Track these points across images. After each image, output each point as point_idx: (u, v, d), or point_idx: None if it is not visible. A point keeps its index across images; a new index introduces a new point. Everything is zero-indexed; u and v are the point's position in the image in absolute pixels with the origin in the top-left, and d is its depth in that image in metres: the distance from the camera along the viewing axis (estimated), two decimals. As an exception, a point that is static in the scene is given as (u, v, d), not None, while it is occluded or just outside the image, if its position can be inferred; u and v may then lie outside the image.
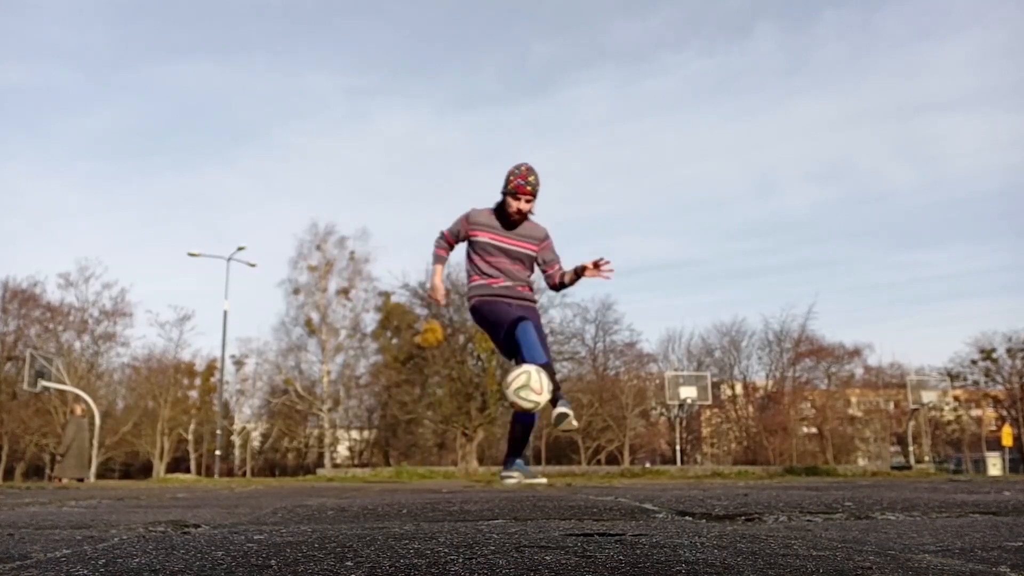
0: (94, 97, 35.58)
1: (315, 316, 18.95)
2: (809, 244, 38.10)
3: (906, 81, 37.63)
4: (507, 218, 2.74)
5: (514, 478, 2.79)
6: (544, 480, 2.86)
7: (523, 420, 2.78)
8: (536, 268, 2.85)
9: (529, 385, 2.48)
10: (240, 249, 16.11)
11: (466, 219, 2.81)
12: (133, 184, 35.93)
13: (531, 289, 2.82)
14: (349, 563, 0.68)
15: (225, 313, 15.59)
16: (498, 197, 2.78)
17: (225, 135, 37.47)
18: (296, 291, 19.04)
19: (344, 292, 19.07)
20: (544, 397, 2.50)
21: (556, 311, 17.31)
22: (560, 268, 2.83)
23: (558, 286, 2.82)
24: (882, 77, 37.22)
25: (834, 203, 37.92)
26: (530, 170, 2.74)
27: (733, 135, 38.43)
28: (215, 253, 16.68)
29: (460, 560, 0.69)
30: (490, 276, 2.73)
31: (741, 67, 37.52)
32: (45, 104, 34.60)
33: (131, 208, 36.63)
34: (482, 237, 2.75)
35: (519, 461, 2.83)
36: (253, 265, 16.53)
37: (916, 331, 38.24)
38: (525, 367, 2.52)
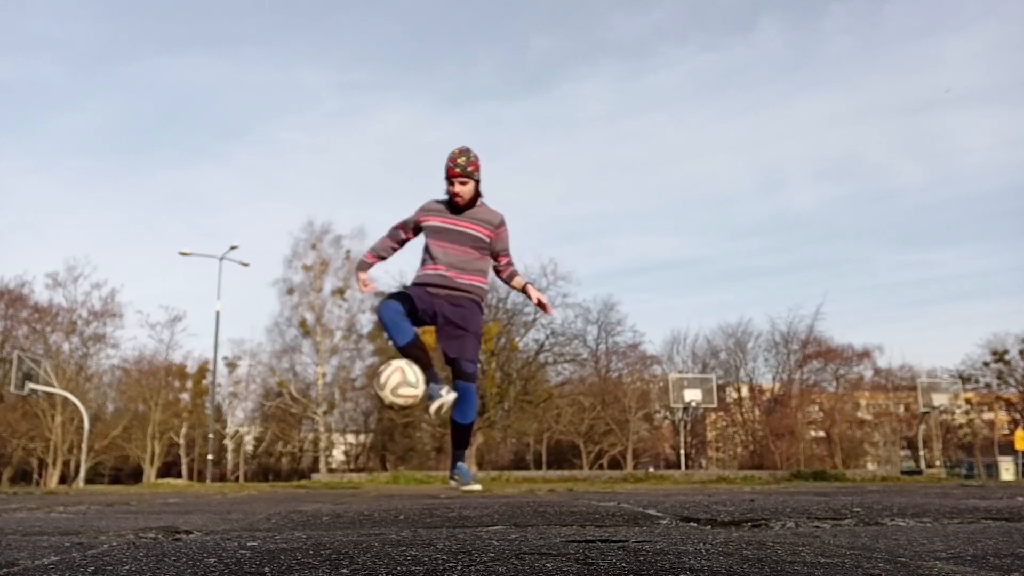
0: (81, 92, 35.19)
1: (310, 317, 18.84)
2: (817, 243, 37.54)
3: (915, 76, 37.16)
4: (455, 205, 2.69)
5: (455, 481, 2.76)
6: (479, 487, 2.78)
7: (459, 418, 2.70)
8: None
9: (406, 381, 2.46)
10: (233, 248, 15.99)
11: (419, 208, 2.77)
12: (122, 181, 35.69)
13: (482, 278, 2.71)
14: (345, 570, 0.67)
15: (217, 314, 15.51)
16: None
17: (216, 131, 37.29)
18: (290, 291, 18.95)
19: (340, 292, 18.97)
20: (421, 388, 2.49)
21: (557, 312, 17.33)
22: (510, 263, 2.78)
23: (502, 279, 2.82)
24: (891, 72, 36.62)
25: (842, 200, 37.42)
26: (462, 151, 2.67)
27: (738, 131, 38.14)
28: (207, 252, 16.39)
29: (459, 567, 0.67)
30: (432, 264, 2.66)
31: (745, 62, 37.08)
32: (30, 100, 34.31)
33: (120, 206, 36.31)
34: (434, 221, 2.71)
35: (461, 464, 2.76)
36: (246, 264, 16.39)
37: (927, 332, 37.79)
38: (394, 363, 2.50)
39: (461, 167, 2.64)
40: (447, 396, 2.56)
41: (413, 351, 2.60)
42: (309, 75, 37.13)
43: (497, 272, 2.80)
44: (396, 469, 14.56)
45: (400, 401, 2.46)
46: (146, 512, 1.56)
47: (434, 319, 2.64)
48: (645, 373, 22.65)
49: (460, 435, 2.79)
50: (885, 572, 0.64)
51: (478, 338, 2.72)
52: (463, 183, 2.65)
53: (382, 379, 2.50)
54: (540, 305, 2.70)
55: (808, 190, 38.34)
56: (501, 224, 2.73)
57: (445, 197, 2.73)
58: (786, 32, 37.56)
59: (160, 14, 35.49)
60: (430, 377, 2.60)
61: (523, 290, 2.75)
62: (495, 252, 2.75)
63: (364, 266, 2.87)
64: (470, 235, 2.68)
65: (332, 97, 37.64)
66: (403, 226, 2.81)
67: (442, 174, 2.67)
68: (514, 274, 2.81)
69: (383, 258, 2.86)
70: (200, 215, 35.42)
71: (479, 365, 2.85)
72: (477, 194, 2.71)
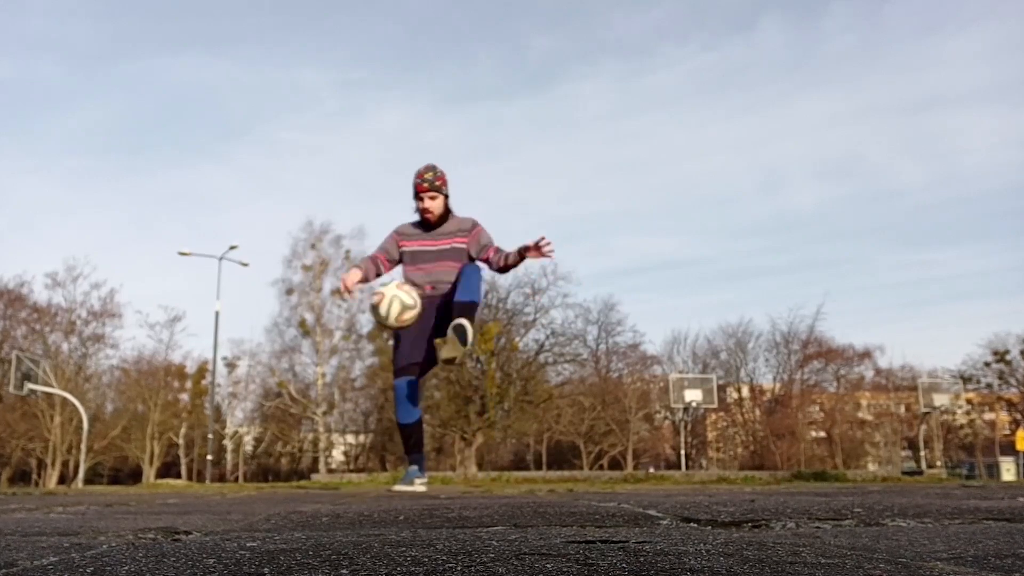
0: (81, 92, 35.23)
1: (309, 317, 18.87)
2: (817, 243, 37.56)
3: (916, 75, 37.19)
4: (426, 222, 2.70)
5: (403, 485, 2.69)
6: (420, 489, 2.67)
7: (403, 417, 2.64)
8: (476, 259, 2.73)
9: (405, 306, 2.46)
10: (232, 248, 15.98)
11: (396, 233, 2.77)
12: (122, 181, 35.67)
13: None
14: (344, 571, 0.67)
15: (217, 314, 15.53)
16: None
17: (216, 131, 37.30)
18: (290, 291, 18.98)
19: (339, 292, 19.02)
20: (418, 305, 2.50)
21: (558, 312, 17.32)
22: (499, 249, 2.72)
23: (502, 268, 2.73)
24: (891, 72, 36.81)
25: (843, 200, 37.39)
26: (428, 168, 2.70)
27: (738, 131, 38.09)
28: (206, 252, 16.39)
29: (459, 568, 0.67)
30: (416, 288, 2.66)
31: (745, 62, 37.18)
32: (29, 99, 34.38)
33: (120, 206, 36.41)
34: (410, 247, 2.73)
35: (412, 467, 2.69)
36: (245, 264, 16.37)
37: (928, 332, 37.76)
38: (387, 293, 2.47)
39: (429, 182, 2.64)
40: (420, 485, 2.61)
41: (413, 431, 2.64)
42: (309, 75, 37.32)
43: (491, 265, 2.74)
44: (396, 470, 14.55)
45: (407, 324, 2.50)
46: (145, 512, 1.56)
47: (431, 326, 2.63)
48: (645, 373, 22.67)
49: (410, 433, 2.67)
50: (886, 573, 0.64)
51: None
52: (432, 198, 2.65)
53: (382, 312, 2.49)
54: (537, 249, 2.55)
55: (808, 190, 38.46)
56: (474, 226, 2.73)
57: (416, 218, 2.73)
58: (786, 32, 37.77)
59: (160, 14, 35.61)
60: (415, 461, 2.64)
61: (522, 255, 2.62)
62: (478, 252, 2.72)
63: (356, 268, 2.81)
64: (448, 250, 2.69)
65: (332, 97, 37.82)
66: (384, 256, 2.78)
67: (411, 192, 2.68)
68: (508, 255, 2.70)
69: (367, 278, 2.81)
70: (200, 215, 35.54)
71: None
72: (447, 210, 2.71)
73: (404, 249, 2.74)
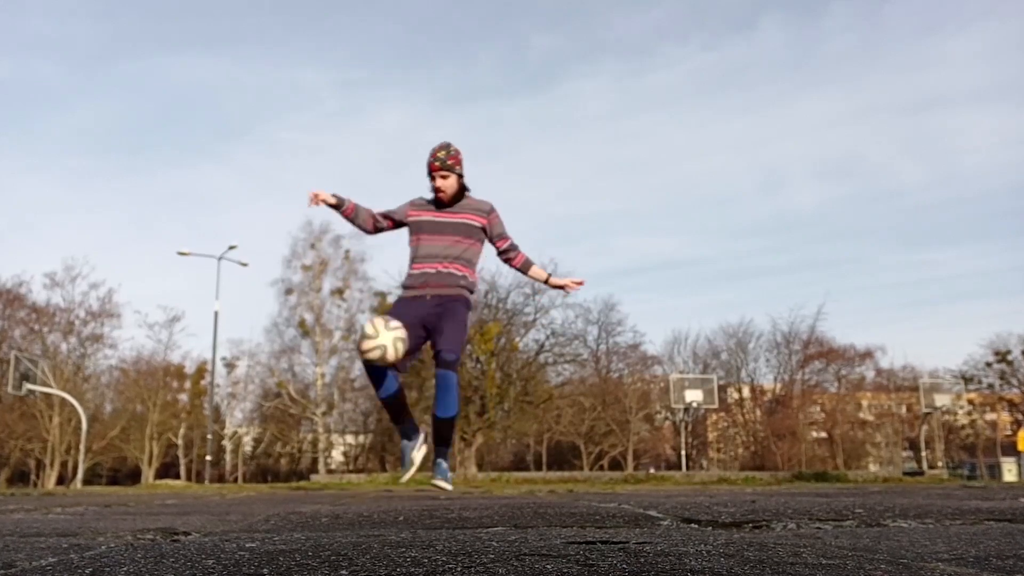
0: (80, 92, 34.90)
1: (309, 317, 18.85)
2: (818, 242, 37.33)
3: (916, 75, 37.03)
4: (439, 201, 2.69)
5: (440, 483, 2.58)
6: (450, 487, 2.55)
7: (439, 412, 2.57)
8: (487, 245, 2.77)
9: (365, 334, 2.41)
10: (231, 248, 15.92)
11: (409, 203, 2.76)
12: (121, 181, 35.48)
13: (466, 268, 2.66)
14: (344, 572, 0.66)
15: (216, 314, 15.46)
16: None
17: (216, 131, 37.12)
18: (289, 291, 18.96)
19: (339, 292, 18.97)
20: (382, 338, 2.41)
21: (558, 312, 17.29)
22: (514, 247, 2.78)
23: (516, 268, 2.83)
24: (891, 72, 36.53)
25: (843, 200, 37.20)
26: (442, 146, 2.67)
27: (738, 130, 37.86)
28: (205, 252, 16.26)
29: (459, 568, 0.67)
30: (418, 262, 2.66)
31: (745, 61, 36.98)
32: (30, 99, 34.22)
33: (119, 205, 36.17)
34: (422, 216, 2.70)
35: (439, 461, 2.57)
36: (245, 264, 16.28)
37: (929, 332, 37.51)
38: (364, 324, 2.45)
39: (441, 161, 2.64)
40: (417, 454, 2.56)
41: (394, 402, 2.64)
42: (309, 75, 37.13)
43: (506, 260, 2.80)
44: (396, 470, 14.55)
45: (367, 355, 2.42)
46: (144, 513, 1.56)
47: (423, 325, 2.61)
48: (646, 373, 22.64)
49: (439, 430, 2.64)
50: (887, 574, 0.64)
51: (460, 327, 2.64)
52: (444, 177, 2.65)
53: (378, 356, 2.44)
54: (567, 286, 2.82)
55: (808, 190, 38.31)
56: (492, 210, 2.74)
57: (431, 195, 2.71)
58: (786, 32, 37.62)
59: (160, 14, 35.45)
60: (405, 433, 2.61)
61: (546, 283, 2.86)
62: (492, 238, 2.76)
63: (343, 203, 2.72)
64: (459, 224, 2.68)
65: (332, 97, 37.69)
66: (385, 214, 2.77)
67: (424, 171, 2.67)
68: (528, 262, 2.82)
69: (341, 206, 2.73)
70: (200, 215, 35.42)
71: (461, 356, 2.66)
72: (462, 188, 2.70)
73: (412, 219, 2.70)
